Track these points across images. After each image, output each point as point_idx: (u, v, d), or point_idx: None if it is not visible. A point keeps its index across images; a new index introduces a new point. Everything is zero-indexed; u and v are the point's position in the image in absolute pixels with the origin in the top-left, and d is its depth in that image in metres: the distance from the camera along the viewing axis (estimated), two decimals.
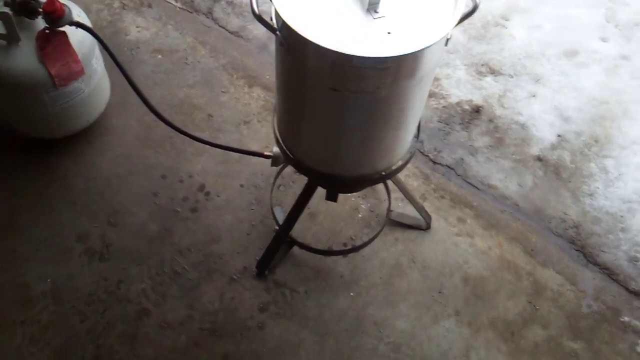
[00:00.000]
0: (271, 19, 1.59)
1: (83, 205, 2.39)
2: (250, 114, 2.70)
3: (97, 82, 2.38)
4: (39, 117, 2.32)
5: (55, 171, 2.48)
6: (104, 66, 2.46)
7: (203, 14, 3.09)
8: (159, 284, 2.22)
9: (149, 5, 3.06)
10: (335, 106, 1.66)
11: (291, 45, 1.56)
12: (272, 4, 1.52)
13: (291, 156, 1.93)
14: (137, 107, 2.41)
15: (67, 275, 2.22)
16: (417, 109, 1.79)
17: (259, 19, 1.54)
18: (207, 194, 2.45)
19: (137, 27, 2.96)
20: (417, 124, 1.93)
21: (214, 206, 2.43)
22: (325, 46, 1.44)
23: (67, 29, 2.10)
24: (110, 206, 2.39)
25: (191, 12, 3.08)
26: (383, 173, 1.94)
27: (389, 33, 1.51)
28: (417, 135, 1.98)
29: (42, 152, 2.51)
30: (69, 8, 2.04)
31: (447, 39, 1.61)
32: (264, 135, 2.63)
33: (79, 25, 2.07)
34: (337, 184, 2.00)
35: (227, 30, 3.03)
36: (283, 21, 1.49)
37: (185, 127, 2.58)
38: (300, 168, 1.94)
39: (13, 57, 2.13)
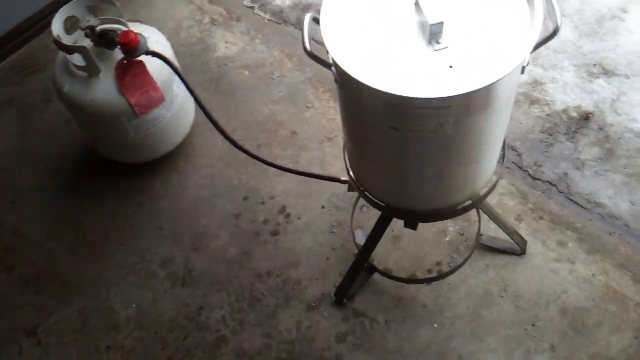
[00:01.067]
0: (327, 52, 1.46)
1: (168, 229, 2.41)
2: (335, 129, 2.58)
3: (179, 106, 2.37)
4: (122, 143, 2.36)
5: (144, 194, 2.52)
6: (186, 90, 2.44)
7: (292, 24, 3.00)
8: (237, 311, 2.19)
9: (238, 19, 3.02)
10: (395, 144, 1.51)
11: (345, 83, 1.42)
12: (323, 39, 1.40)
13: (361, 188, 1.81)
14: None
15: (150, 300, 2.25)
16: (493, 140, 1.58)
17: (312, 56, 1.42)
18: (288, 216, 2.39)
19: (225, 42, 2.93)
20: (499, 150, 1.72)
21: (294, 229, 2.35)
22: (375, 87, 1.28)
23: (145, 57, 2.10)
24: (194, 229, 2.40)
25: (279, 24, 3.00)
26: (464, 205, 1.76)
27: (450, 67, 1.32)
28: (502, 158, 1.77)
29: (131, 176, 2.56)
30: (144, 37, 2.03)
31: (524, 67, 1.40)
32: None
33: (154, 54, 2.06)
34: (411, 217, 1.84)
35: (315, 41, 2.88)
36: (334, 59, 1.36)
37: (269, 145, 2.57)
38: (371, 201, 1.80)
39: (94, 88, 2.16)
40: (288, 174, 2.44)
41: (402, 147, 1.52)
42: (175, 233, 2.40)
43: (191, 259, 2.33)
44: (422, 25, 1.38)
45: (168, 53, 2.25)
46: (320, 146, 2.55)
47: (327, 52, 1.42)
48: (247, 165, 2.51)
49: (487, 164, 1.68)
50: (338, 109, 2.61)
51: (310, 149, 2.55)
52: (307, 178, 2.41)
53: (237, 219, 2.40)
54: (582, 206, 2.34)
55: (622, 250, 2.22)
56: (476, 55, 1.34)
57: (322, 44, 1.40)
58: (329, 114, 2.64)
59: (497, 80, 1.28)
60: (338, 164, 2.48)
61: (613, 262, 2.19)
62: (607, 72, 2.65)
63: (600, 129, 2.50)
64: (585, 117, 2.54)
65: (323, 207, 2.40)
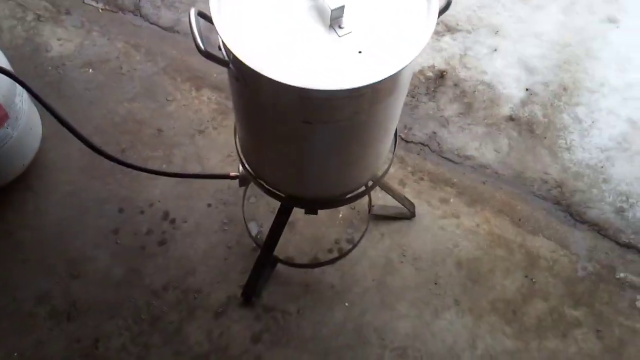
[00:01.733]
0: (219, 48, 1.30)
1: (36, 261, 2.10)
2: (204, 120, 2.41)
3: (25, 120, 2.05)
4: None
5: None
6: (29, 100, 2.12)
7: (130, 12, 2.71)
8: (138, 335, 1.99)
9: (68, 12, 2.67)
10: (307, 138, 1.41)
11: (248, 81, 1.28)
12: (219, 35, 1.24)
13: (260, 181, 1.69)
14: None
15: (34, 343, 1.96)
16: (397, 115, 1.55)
17: (207, 55, 1.25)
18: (173, 221, 2.19)
19: (58, 39, 2.58)
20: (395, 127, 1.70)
21: (182, 234, 2.17)
22: (289, 83, 1.17)
23: None
24: (66, 256, 2.11)
25: (116, 12, 2.70)
26: (368, 185, 1.72)
27: (359, 52, 1.24)
28: (395, 133, 1.75)
29: None
30: None
31: None
32: (222, 143, 2.35)
33: None
34: (316, 205, 1.76)
35: (160, 26, 2.68)
36: (234, 56, 1.21)
37: (135, 147, 2.32)
38: (273, 194, 1.69)
39: None
40: (163, 176, 2.23)
41: (313, 139, 1.42)
42: (46, 263, 2.10)
43: (72, 289, 2.05)
44: (321, 11, 1.29)
45: (3, 62, 1.92)
46: (193, 140, 2.36)
47: (224, 49, 1.28)
48: (114, 174, 2.25)
49: (388, 143, 1.66)
50: (203, 98, 2.46)
51: (182, 144, 2.35)
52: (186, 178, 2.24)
53: (116, 234, 2.16)
54: (454, 162, 2.43)
55: (498, 197, 2.35)
56: (381, 38, 1.28)
57: (209, 39, 1.24)
58: (194, 105, 2.44)
59: (409, 63, 1.24)
60: (215, 157, 2.32)
61: (492, 210, 2.32)
62: (450, 29, 2.75)
63: (456, 85, 2.60)
64: (441, 76, 2.62)
65: (209, 205, 2.23)
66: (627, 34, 2.77)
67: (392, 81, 1.26)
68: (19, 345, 1.96)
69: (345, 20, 1.27)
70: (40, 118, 2.25)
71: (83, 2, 2.72)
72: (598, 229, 2.32)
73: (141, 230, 2.17)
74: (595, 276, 2.21)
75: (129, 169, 1.97)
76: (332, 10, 1.24)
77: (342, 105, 1.29)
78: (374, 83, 1.19)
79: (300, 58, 1.24)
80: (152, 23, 2.69)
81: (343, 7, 1.25)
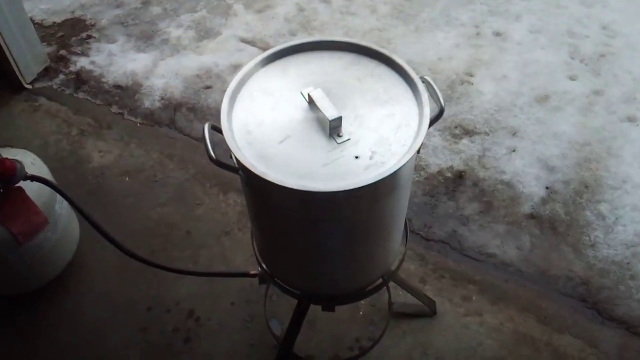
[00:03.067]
0: (230, 157, 1.48)
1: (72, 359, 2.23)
2: (230, 222, 2.58)
3: (63, 225, 2.27)
4: (8, 276, 2.20)
5: (38, 326, 2.32)
6: (68, 206, 2.33)
7: (165, 125, 3.01)
8: None
9: (109, 127, 2.98)
10: (313, 235, 1.56)
11: (256, 185, 1.45)
12: (229, 146, 1.42)
13: (277, 280, 1.81)
14: None
15: None
16: (400, 216, 1.69)
17: (218, 163, 1.44)
18: (197, 319, 2.31)
19: (99, 152, 2.86)
20: (403, 223, 1.81)
21: (206, 332, 2.27)
22: (290, 186, 1.33)
23: (22, 182, 1.99)
24: (100, 354, 2.24)
25: (153, 126, 3.00)
26: (382, 279, 1.82)
27: (356, 157, 1.41)
28: (405, 229, 1.87)
29: (19, 309, 2.35)
30: (20, 163, 1.92)
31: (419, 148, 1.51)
32: (247, 244, 2.49)
33: (34, 178, 1.95)
34: (332, 301, 1.87)
35: (192, 138, 2.95)
36: (242, 165, 1.39)
37: (165, 249, 2.50)
38: (288, 291, 1.81)
39: None
40: (189, 276, 2.38)
41: (318, 237, 1.56)
42: None
43: None
44: (321, 122, 1.46)
45: (45, 173, 2.17)
46: (219, 242, 2.52)
47: (234, 157, 1.45)
48: (144, 274, 2.41)
49: (396, 239, 1.78)
50: (229, 202, 2.66)
51: (208, 246, 2.51)
52: (210, 277, 2.38)
53: (144, 333, 2.28)
54: (476, 259, 2.51)
55: (522, 295, 2.39)
56: (377, 143, 1.43)
57: (221, 149, 1.42)
58: (221, 209, 2.64)
59: (404, 165, 1.37)
60: (240, 257, 2.47)
61: (516, 308, 2.35)
62: (468, 132, 2.92)
63: (475, 184, 2.73)
64: (460, 176, 2.76)
65: (233, 303, 2.35)
66: None
67: (388, 182, 1.40)
68: None
69: (344, 128, 1.44)
70: (79, 222, 2.46)
71: (123, 117, 3.04)
72: (627, 326, 2.32)
73: (167, 328, 2.29)
74: None
75: (159, 270, 2.13)
76: (330, 121, 1.41)
77: (342, 206, 1.44)
78: (369, 185, 1.34)
79: (302, 163, 1.40)
80: (185, 134, 2.96)
81: (340, 118, 1.42)
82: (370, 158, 1.40)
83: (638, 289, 2.40)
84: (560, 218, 2.60)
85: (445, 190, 2.71)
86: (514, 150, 2.84)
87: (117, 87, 3.18)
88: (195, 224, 2.59)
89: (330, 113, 1.41)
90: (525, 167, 2.78)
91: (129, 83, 3.18)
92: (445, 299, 2.38)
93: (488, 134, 2.91)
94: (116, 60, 3.31)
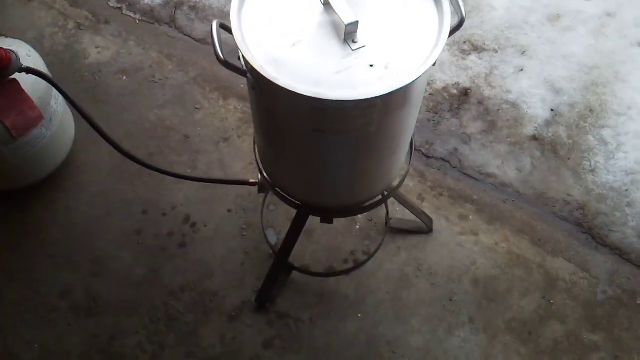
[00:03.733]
0: (238, 59, 1.31)
1: (62, 257, 2.11)
2: (229, 129, 2.40)
3: (59, 122, 2.08)
4: (1, 170, 2.03)
5: (29, 222, 2.19)
6: (64, 102, 2.15)
7: (165, 23, 2.74)
8: (154, 334, 1.98)
9: (107, 22, 2.71)
10: (320, 146, 1.40)
11: (264, 89, 1.29)
12: (238, 47, 1.24)
13: (277, 189, 1.67)
14: None
15: (55, 337, 1.97)
16: (409, 132, 1.53)
17: (226, 64, 1.27)
18: (194, 225, 2.18)
19: (96, 47, 2.62)
20: (409, 139, 1.66)
21: (202, 238, 2.16)
22: (302, 93, 1.17)
23: (17, 75, 1.79)
24: (91, 254, 2.12)
25: (152, 23, 2.73)
26: (383, 195, 1.70)
27: (371, 66, 1.24)
28: (411, 146, 1.71)
29: (12, 203, 2.22)
30: (15, 54, 1.70)
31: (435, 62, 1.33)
32: (246, 152, 2.34)
33: (30, 71, 1.74)
34: (331, 213, 1.74)
35: (193, 38, 2.70)
36: (251, 66, 1.22)
37: (162, 152, 2.33)
38: (289, 201, 1.68)
39: None
40: (187, 181, 2.23)
41: (326, 148, 1.41)
42: (71, 260, 2.11)
43: (93, 286, 2.06)
44: (336, 26, 1.30)
45: (41, 66, 1.96)
46: (217, 148, 2.35)
47: (242, 59, 1.29)
48: (141, 177, 2.26)
49: (401, 155, 1.63)
50: (229, 108, 2.46)
51: (207, 151, 2.35)
52: (208, 183, 2.24)
53: (139, 235, 2.16)
54: (475, 178, 2.37)
55: (518, 216, 2.28)
56: (393, 52, 1.27)
57: (226, 50, 1.24)
58: (220, 114, 2.44)
59: (418, 77, 1.23)
60: (238, 165, 2.31)
61: (512, 229, 2.25)
62: (477, 49, 2.70)
63: (480, 103, 2.54)
64: (465, 93, 2.57)
65: (229, 210, 2.22)
66: None
67: (401, 94, 1.25)
68: (40, 336, 1.98)
69: (359, 35, 1.28)
70: (74, 121, 2.28)
71: (122, 13, 2.76)
72: (620, 253, 2.22)
73: (162, 232, 2.17)
74: (616, 301, 2.11)
75: (155, 173, 1.98)
76: (346, 26, 1.25)
77: (353, 116, 1.29)
78: (382, 95, 1.19)
79: (314, 69, 1.25)
80: (185, 35, 2.70)
81: (357, 22, 1.25)
82: (385, 68, 1.24)
83: (634, 216, 2.28)
84: (563, 141, 2.44)
85: (449, 107, 2.52)
86: (521, 70, 2.63)
87: None
88: (194, 129, 2.41)
89: (346, 17, 1.24)
90: (531, 88, 2.58)
91: None
92: (442, 216, 2.25)
93: (497, 52, 2.68)
94: None
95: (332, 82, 1.23)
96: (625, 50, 2.71)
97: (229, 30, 1.31)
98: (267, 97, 1.33)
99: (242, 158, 2.33)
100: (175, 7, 2.78)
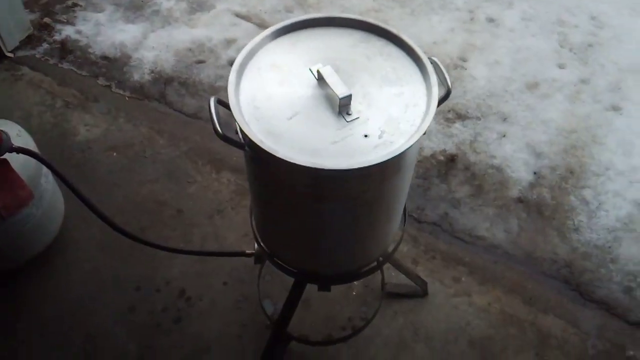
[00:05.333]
0: (236, 132, 1.43)
1: (55, 336, 2.16)
2: (223, 201, 2.53)
3: (49, 200, 2.18)
4: None
5: (20, 302, 2.24)
6: (53, 180, 2.26)
7: (155, 99, 2.91)
8: None
9: (96, 100, 2.87)
10: (318, 215, 1.52)
11: (263, 161, 1.39)
12: (235, 121, 1.38)
13: (275, 258, 1.78)
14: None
15: None
16: (404, 194, 1.67)
17: (225, 138, 1.39)
18: (189, 299, 2.26)
19: (85, 125, 2.76)
20: (403, 205, 1.79)
21: (198, 312, 2.23)
22: (301, 163, 1.30)
23: (7, 154, 1.89)
24: (85, 331, 2.17)
25: (142, 100, 2.90)
26: (379, 261, 1.81)
27: (366, 136, 1.38)
28: (404, 212, 1.84)
29: (2, 285, 2.26)
30: (6, 134, 1.80)
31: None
32: (240, 223, 2.46)
33: (20, 150, 1.84)
34: (329, 280, 1.84)
35: (184, 113, 2.87)
36: (250, 139, 1.34)
37: (154, 227, 2.43)
38: (287, 270, 1.78)
39: None
40: (181, 255, 2.32)
41: (324, 216, 1.53)
42: (64, 338, 2.15)
43: None
44: (330, 99, 1.43)
45: (31, 146, 2.08)
46: (211, 221, 2.47)
47: (240, 133, 1.41)
48: (133, 253, 2.34)
49: (396, 221, 1.76)
50: (222, 180, 2.60)
51: (200, 225, 2.46)
52: (202, 256, 2.33)
53: (132, 312, 2.22)
54: (466, 241, 2.51)
55: (509, 276, 2.41)
56: (386, 123, 1.40)
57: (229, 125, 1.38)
58: (213, 187, 2.57)
59: (412, 145, 1.36)
60: (232, 236, 2.42)
61: (503, 289, 2.37)
62: (461, 117, 2.90)
63: (466, 168, 2.72)
64: (452, 159, 2.75)
65: (225, 283, 2.31)
66: (631, 120, 2.91)
67: (396, 162, 1.38)
68: None
69: (353, 107, 1.42)
70: (64, 198, 2.37)
71: (111, 90, 2.93)
72: (607, 307, 2.36)
73: (157, 308, 2.24)
74: (605, 355, 2.23)
75: (148, 248, 2.07)
76: (340, 99, 1.38)
77: (350, 184, 1.42)
78: (377, 164, 1.32)
79: (312, 140, 1.37)
80: (176, 110, 2.87)
81: (350, 95, 1.39)
82: (379, 137, 1.37)
83: (617, 272, 2.43)
84: (547, 202, 2.62)
85: (437, 173, 2.69)
86: (504, 136, 2.83)
87: (105, 58, 3.06)
88: (187, 202, 2.52)
89: (340, 90, 1.38)
90: (514, 152, 2.78)
91: (117, 54, 3.06)
92: (436, 279, 2.37)
93: (480, 119, 2.90)
94: (104, 30, 3.17)
95: (330, 152, 1.35)
96: (600, 114, 2.95)
97: (225, 105, 1.42)
98: (265, 168, 1.44)
99: (237, 230, 2.44)
100: (165, 84, 2.97)
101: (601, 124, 2.90)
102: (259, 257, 1.97)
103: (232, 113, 1.38)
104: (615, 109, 2.96)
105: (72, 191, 1.86)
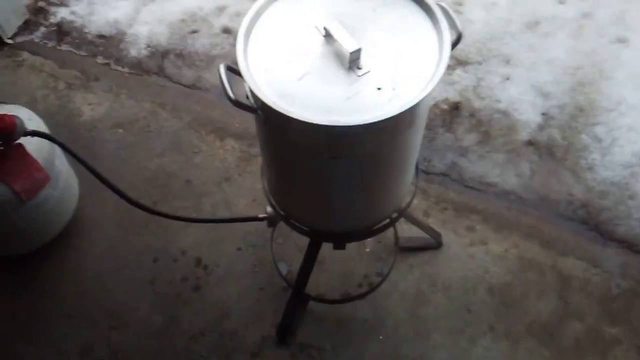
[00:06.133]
0: (247, 97, 1.38)
1: (79, 315, 2.15)
2: (229, 168, 2.48)
3: (64, 181, 2.15)
4: (12, 235, 2.10)
5: (42, 284, 2.23)
6: (67, 161, 2.22)
7: (154, 73, 2.84)
8: None
9: (96, 79, 2.80)
10: (333, 173, 1.47)
11: (277, 124, 1.35)
12: (246, 83, 1.32)
13: (290, 220, 1.73)
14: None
15: None
16: (417, 147, 1.61)
17: (237, 104, 1.34)
18: (206, 267, 2.23)
19: (89, 104, 2.70)
20: (416, 159, 1.73)
21: (215, 279, 2.21)
22: (317, 122, 1.25)
23: (23, 138, 1.86)
24: (108, 308, 2.16)
25: (141, 75, 2.83)
26: (393, 216, 1.75)
27: (379, 89, 1.32)
28: (416, 166, 1.78)
29: (23, 267, 2.26)
30: (19, 119, 1.79)
31: None
32: (249, 189, 2.41)
33: (34, 133, 1.82)
34: (344, 238, 1.80)
35: (183, 85, 2.79)
36: (262, 102, 1.29)
37: (165, 199, 2.40)
38: (302, 230, 1.74)
39: None
40: (194, 224, 2.30)
41: (339, 174, 1.48)
42: (88, 317, 2.15)
43: (113, 340, 2.09)
44: (339, 55, 1.37)
45: (43, 128, 2.03)
46: (220, 188, 2.42)
47: (252, 97, 1.35)
48: (148, 226, 2.32)
49: (409, 175, 1.70)
50: (227, 148, 2.54)
51: (210, 193, 2.41)
52: (215, 224, 2.30)
53: (153, 284, 2.21)
54: (477, 189, 2.44)
55: (524, 221, 2.34)
56: (398, 75, 1.34)
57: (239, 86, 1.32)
58: (219, 155, 2.52)
59: (426, 96, 1.30)
60: (242, 202, 2.38)
61: (520, 234, 2.31)
62: (461, 63, 2.80)
63: (471, 115, 2.63)
64: (456, 107, 2.65)
65: (239, 249, 2.27)
66: (638, 52, 2.78)
67: (410, 114, 1.31)
68: None
69: (363, 61, 1.35)
70: (77, 178, 2.34)
71: (110, 68, 2.86)
72: (628, 245, 2.29)
73: (176, 278, 2.22)
74: (631, 292, 2.17)
75: (162, 220, 2.04)
76: (350, 53, 1.32)
77: (365, 140, 1.36)
78: (393, 116, 1.26)
79: (325, 99, 1.31)
80: (175, 82, 2.80)
81: (360, 49, 1.33)
82: (393, 89, 1.32)
83: (637, 208, 2.35)
84: (558, 143, 2.53)
85: (442, 122, 2.60)
86: (508, 79, 2.72)
87: (101, 36, 2.98)
88: (195, 172, 2.48)
89: (349, 45, 1.32)
90: (520, 95, 2.67)
91: (112, 32, 2.97)
92: (449, 230, 2.32)
93: (481, 63, 2.78)
94: (97, 9, 3.08)
95: (344, 108, 1.30)
96: (605, 48, 2.82)
97: (233, 71, 1.38)
98: (279, 131, 1.40)
99: (246, 196, 2.40)
100: (162, 57, 2.88)
101: (607, 58, 2.78)
102: (272, 220, 1.92)
103: (242, 78, 1.33)
104: (621, 41, 2.83)
105: (87, 169, 1.84)
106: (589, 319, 2.12)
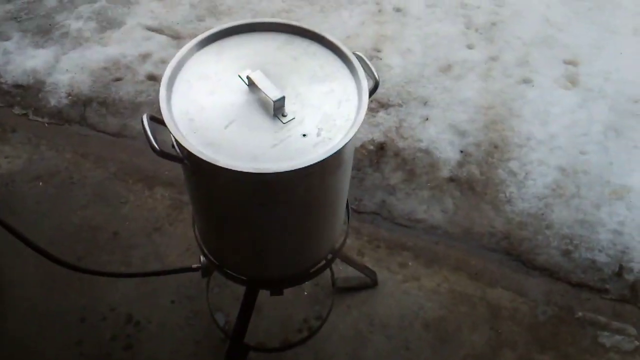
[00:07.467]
0: (172, 146, 1.27)
1: None
2: (160, 218, 2.31)
3: None
4: None
5: None
6: None
7: (76, 122, 2.63)
8: None
9: (14, 130, 2.57)
10: (264, 219, 1.39)
11: (204, 173, 1.26)
12: (172, 135, 1.22)
13: (224, 269, 1.61)
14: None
15: None
16: (346, 188, 1.54)
17: (162, 154, 1.24)
18: (137, 323, 2.04)
19: (5, 157, 2.46)
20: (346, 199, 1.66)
21: (148, 335, 2.01)
22: (245, 170, 1.18)
23: None
24: None
25: (62, 125, 2.62)
26: (328, 258, 1.67)
27: (304, 135, 1.27)
28: (347, 202, 1.72)
29: None
30: None
31: None
32: (181, 238, 2.25)
33: None
34: (282, 284, 1.69)
35: (107, 133, 2.61)
36: (189, 152, 1.19)
37: (91, 254, 2.19)
38: (237, 279, 1.63)
39: None
40: (123, 279, 2.10)
41: (271, 220, 1.40)
42: None
43: None
44: (264, 103, 1.32)
45: None
46: (150, 239, 2.25)
47: (177, 147, 1.25)
48: (72, 284, 2.09)
49: (341, 215, 1.64)
50: (156, 197, 2.37)
51: (139, 245, 2.23)
52: (146, 277, 2.11)
53: (80, 345, 1.98)
54: (406, 226, 2.40)
55: (452, 255, 2.31)
56: (322, 120, 1.31)
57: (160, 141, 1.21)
58: (147, 204, 2.35)
59: (350, 140, 1.28)
60: (174, 252, 2.21)
61: (449, 268, 2.27)
62: (383, 105, 2.79)
63: (396, 154, 2.61)
64: (381, 147, 2.63)
65: (173, 301, 2.10)
66: (542, 91, 2.87)
67: (336, 158, 1.28)
68: None
69: (288, 108, 1.31)
70: None
71: (28, 118, 2.64)
72: (550, 273, 2.30)
73: (105, 337, 2.01)
74: (556, 319, 2.17)
75: (88, 277, 1.84)
76: (274, 102, 1.27)
77: (293, 185, 1.30)
78: (319, 161, 1.22)
79: (251, 146, 1.25)
80: (99, 131, 2.61)
81: (283, 97, 1.29)
82: (318, 135, 1.28)
83: (554, 237, 2.38)
84: (477, 178, 2.54)
85: (369, 162, 2.56)
86: (427, 119, 2.74)
87: (18, 86, 2.75)
88: (122, 224, 2.29)
89: (273, 93, 1.27)
90: (439, 134, 2.69)
91: (30, 81, 2.76)
92: (383, 268, 2.25)
93: (402, 105, 2.79)
94: (13, 58, 2.86)
95: (271, 155, 1.24)
96: (512, 88, 2.90)
97: (157, 121, 1.29)
98: (207, 179, 1.31)
99: (178, 245, 2.23)
100: (84, 105, 2.69)
101: (515, 98, 2.86)
102: (206, 270, 1.78)
103: (167, 128, 1.24)
104: (526, 81, 2.92)
105: (3, 226, 1.62)
106: (520, 348, 2.09)
